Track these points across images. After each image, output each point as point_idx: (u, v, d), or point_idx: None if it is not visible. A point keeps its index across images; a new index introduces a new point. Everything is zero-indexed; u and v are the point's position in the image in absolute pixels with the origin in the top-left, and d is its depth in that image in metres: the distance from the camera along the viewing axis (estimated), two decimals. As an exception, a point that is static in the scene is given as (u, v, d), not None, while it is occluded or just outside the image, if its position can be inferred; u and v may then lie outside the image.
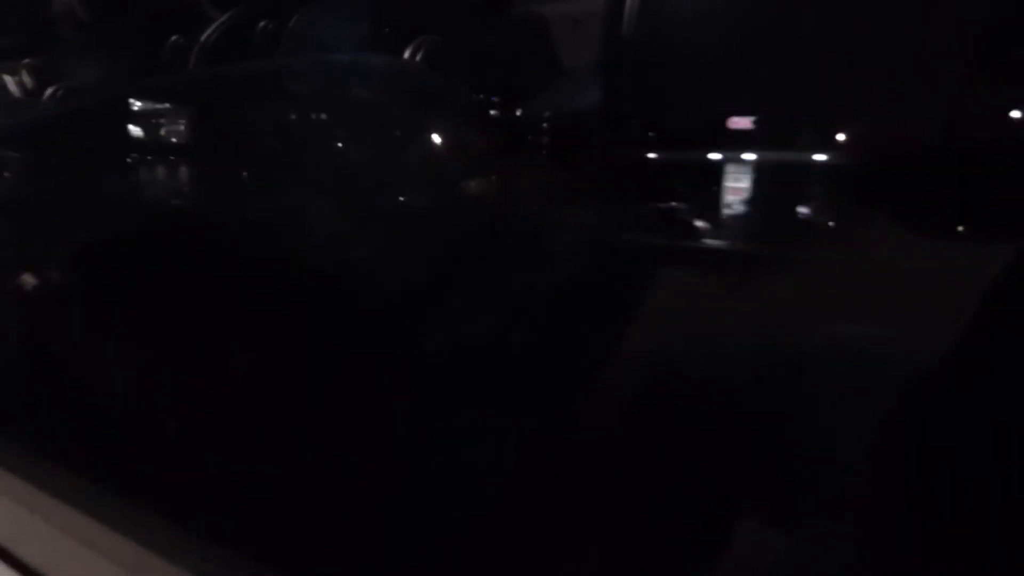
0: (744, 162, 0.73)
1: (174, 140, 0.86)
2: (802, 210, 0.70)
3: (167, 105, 0.93)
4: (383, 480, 0.68)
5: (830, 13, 0.68)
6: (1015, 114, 0.56)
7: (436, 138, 0.86)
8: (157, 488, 0.69)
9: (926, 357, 0.55)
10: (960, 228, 0.60)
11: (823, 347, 0.61)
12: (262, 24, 1.15)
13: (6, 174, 0.80)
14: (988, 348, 0.52)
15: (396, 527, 0.64)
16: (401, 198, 0.81)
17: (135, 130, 0.88)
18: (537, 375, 0.71)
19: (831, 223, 0.69)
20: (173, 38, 1.31)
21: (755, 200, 0.72)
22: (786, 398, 0.61)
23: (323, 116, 0.87)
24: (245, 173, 0.84)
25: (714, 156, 0.75)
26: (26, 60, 1.57)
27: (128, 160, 0.83)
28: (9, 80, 1.61)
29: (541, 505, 0.65)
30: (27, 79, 1.57)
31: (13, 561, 0.71)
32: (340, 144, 0.85)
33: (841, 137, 0.67)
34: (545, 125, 0.90)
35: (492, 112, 0.89)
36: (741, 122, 0.73)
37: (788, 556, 0.59)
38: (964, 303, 0.52)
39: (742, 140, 0.73)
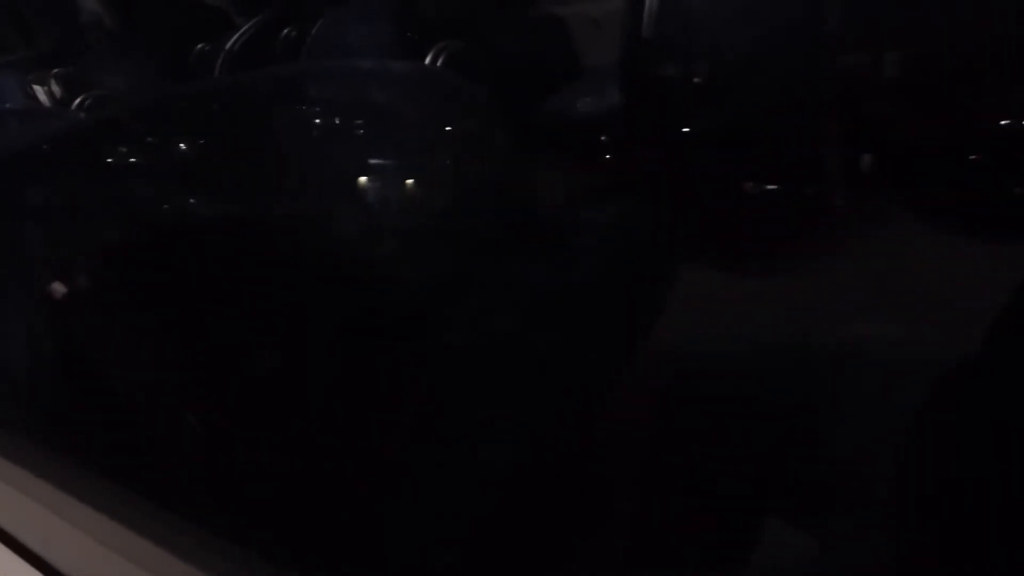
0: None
1: (197, 147, 0.87)
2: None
3: (192, 112, 0.94)
4: (407, 481, 0.68)
5: (851, 11, 0.67)
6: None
7: (458, 141, 0.86)
8: (186, 493, 0.69)
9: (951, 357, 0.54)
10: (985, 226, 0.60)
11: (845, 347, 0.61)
12: (286, 31, 1.17)
13: (36, 182, 0.81)
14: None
15: (419, 529, 0.65)
16: (423, 199, 0.82)
17: (159, 137, 0.89)
18: (559, 374, 0.71)
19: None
20: (199, 46, 1.33)
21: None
22: (807, 397, 0.61)
23: (346, 121, 0.87)
24: (269, 177, 0.85)
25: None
26: (55, 70, 1.60)
27: (153, 167, 0.84)
28: (39, 90, 1.63)
29: (561, 506, 0.65)
30: (56, 89, 1.59)
31: (43, 565, 0.72)
32: (362, 148, 0.85)
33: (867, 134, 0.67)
34: (566, 126, 0.90)
35: (513, 114, 0.89)
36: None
37: (813, 558, 0.58)
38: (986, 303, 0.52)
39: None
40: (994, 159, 0.58)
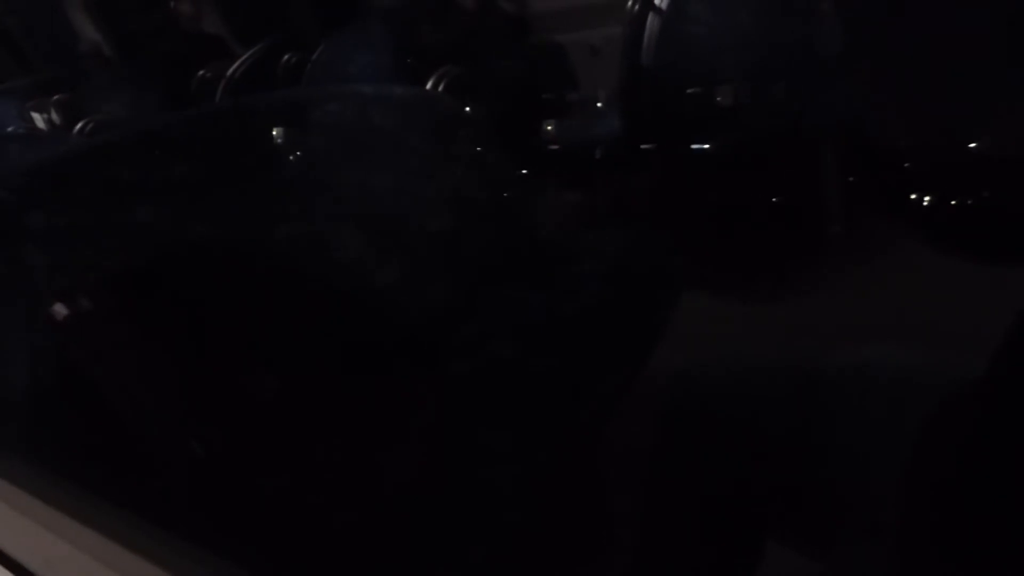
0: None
1: (200, 171, 0.88)
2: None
3: (195, 136, 0.95)
4: (411, 503, 0.68)
5: (847, 37, 0.68)
6: None
7: (458, 165, 0.87)
8: (189, 516, 0.69)
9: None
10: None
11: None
12: (286, 57, 1.18)
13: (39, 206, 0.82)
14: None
15: (422, 549, 0.64)
16: (424, 224, 0.82)
17: (162, 161, 0.89)
18: (561, 397, 0.71)
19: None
20: (200, 72, 1.34)
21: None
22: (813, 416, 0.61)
23: (347, 145, 0.88)
24: (271, 201, 0.85)
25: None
26: (55, 96, 1.60)
27: (157, 191, 0.84)
28: (37, 117, 1.64)
29: (564, 526, 0.65)
30: (55, 115, 1.60)
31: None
32: (365, 172, 0.86)
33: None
34: (566, 151, 0.90)
35: (514, 140, 0.90)
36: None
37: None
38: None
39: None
40: (992, 183, 0.59)
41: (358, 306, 0.78)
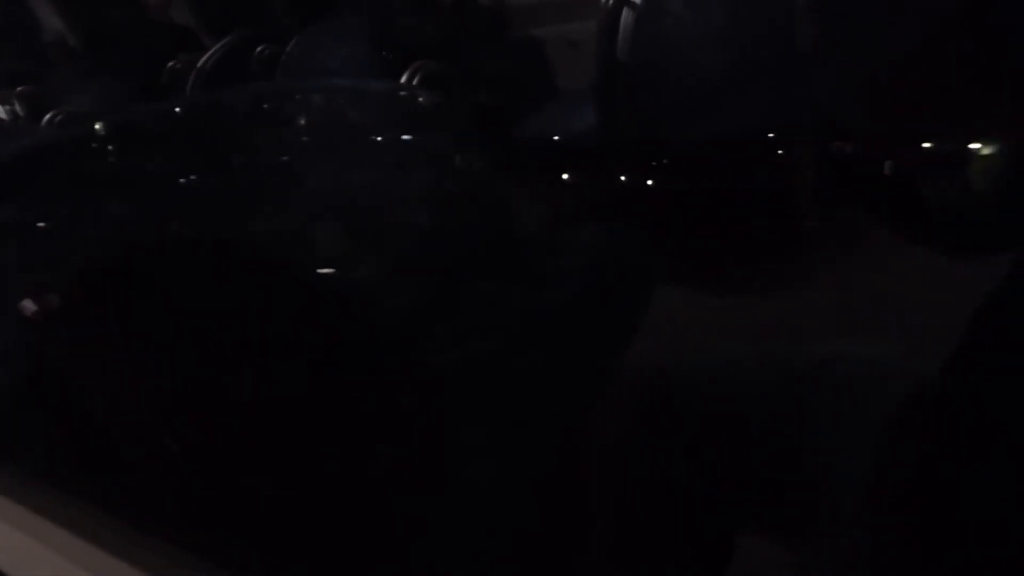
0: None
1: (170, 165, 0.86)
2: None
3: (164, 130, 0.94)
4: (390, 502, 0.68)
5: (824, 32, 0.69)
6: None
7: (434, 162, 0.87)
8: (167, 517, 0.68)
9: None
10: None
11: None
12: (259, 49, 1.16)
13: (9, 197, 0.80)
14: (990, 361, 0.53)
15: (394, 548, 0.64)
16: (401, 219, 0.82)
17: (132, 154, 0.88)
18: (540, 394, 0.71)
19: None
20: (170, 64, 1.33)
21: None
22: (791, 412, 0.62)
23: (321, 140, 0.87)
24: (243, 197, 0.84)
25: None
26: (19, 88, 1.58)
27: (127, 185, 0.83)
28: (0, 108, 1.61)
29: (545, 523, 0.65)
30: (19, 107, 1.57)
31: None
32: (338, 168, 0.85)
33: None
34: (543, 147, 0.90)
35: (490, 135, 0.89)
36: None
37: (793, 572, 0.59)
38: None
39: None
40: (968, 178, 0.59)
41: (335, 303, 0.77)
